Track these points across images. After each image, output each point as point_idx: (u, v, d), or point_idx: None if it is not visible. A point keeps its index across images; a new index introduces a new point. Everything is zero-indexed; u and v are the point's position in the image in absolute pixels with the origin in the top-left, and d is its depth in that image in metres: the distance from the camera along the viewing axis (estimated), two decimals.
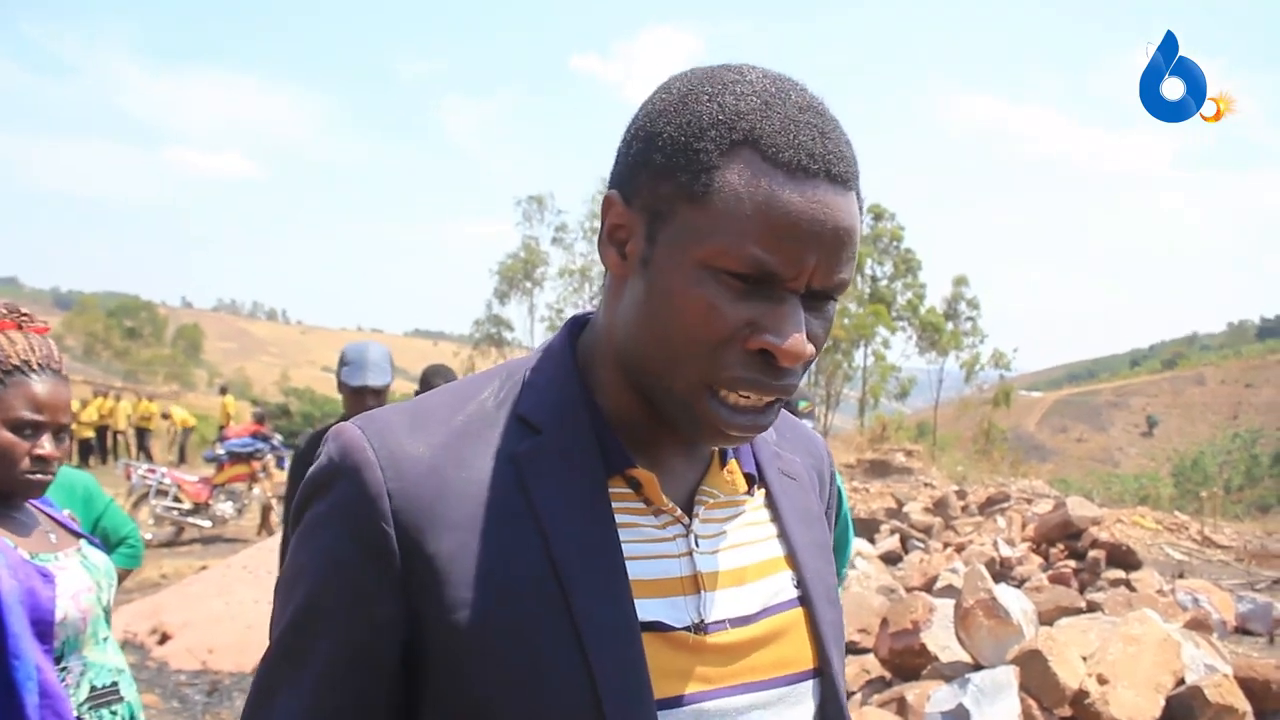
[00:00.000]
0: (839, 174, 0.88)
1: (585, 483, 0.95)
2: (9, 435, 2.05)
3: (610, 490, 0.97)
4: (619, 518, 0.96)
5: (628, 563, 0.93)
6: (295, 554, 0.95)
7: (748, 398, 0.91)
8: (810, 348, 0.89)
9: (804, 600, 1.04)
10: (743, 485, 1.06)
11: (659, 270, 0.90)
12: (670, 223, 0.90)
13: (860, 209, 0.93)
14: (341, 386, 3.92)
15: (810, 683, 1.02)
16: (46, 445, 2.11)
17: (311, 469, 0.97)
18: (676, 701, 0.92)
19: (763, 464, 1.10)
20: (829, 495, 1.22)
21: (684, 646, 0.94)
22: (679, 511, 0.99)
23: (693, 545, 0.99)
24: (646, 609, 0.93)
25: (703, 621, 0.96)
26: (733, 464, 1.06)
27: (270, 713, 0.92)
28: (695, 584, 0.97)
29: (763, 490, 1.09)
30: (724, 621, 0.97)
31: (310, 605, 0.92)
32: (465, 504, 0.92)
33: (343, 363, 3.95)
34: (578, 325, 1.07)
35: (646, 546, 0.96)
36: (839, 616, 1.08)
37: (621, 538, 0.94)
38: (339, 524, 0.92)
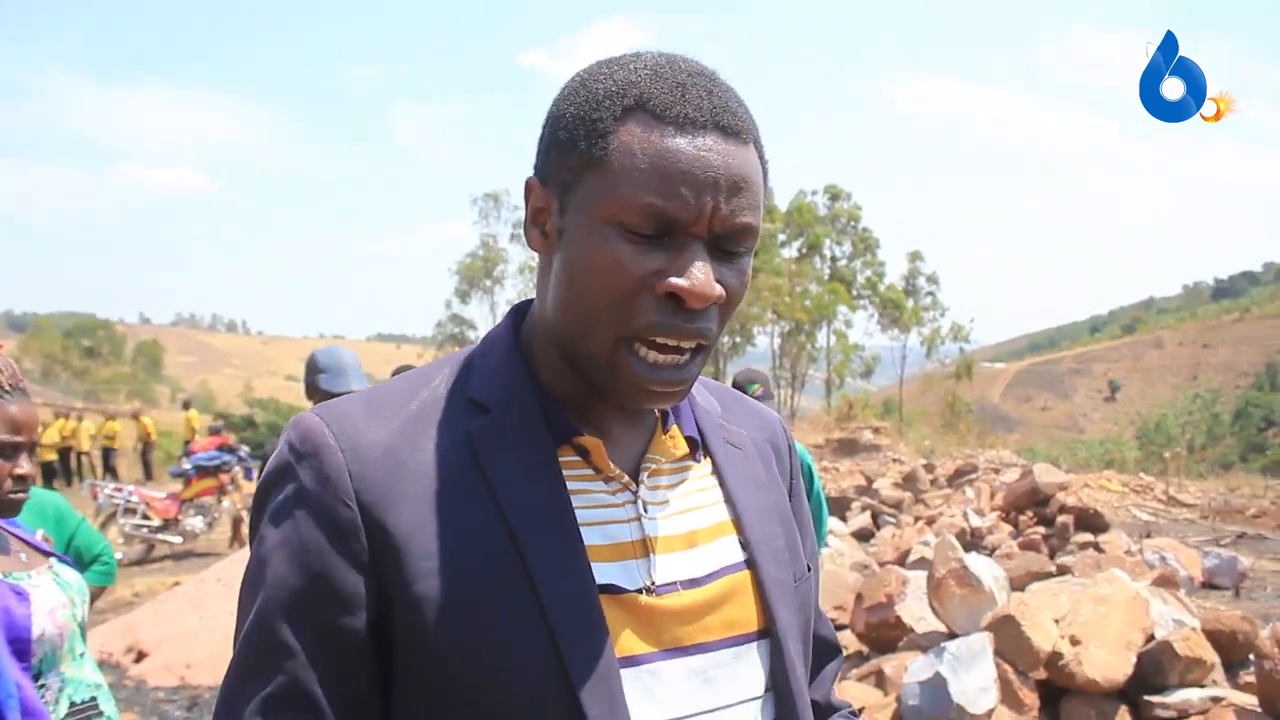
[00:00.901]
0: (728, 125, 0.93)
1: (536, 454, 0.99)
2: None
3: (560, 460, 1.00)
4: (570, 485, 0.99)
5: (581, 529, 0.97)
6: (261, 541, 0.97)
7: (665, 347, 0.94)
8: (718, 288, 0.93)
9: (750, 563, 1.07)
10: (684, 447, 1.09)
11: (570, 237, 0.95)
12: (577, 191, 0.95)
13: (765, 170, 0.99)
14: (318, 393, 3.80)
15: (757, 643, 1.05)
16: (25, 465, 2.12)
17: (271, 458, 0.99)
18: (632, 661, 0.95)
19: (707, 433, 1.13)
20: (789, 465, 1.25)
21: (636, 608, 0.97)
22: (626, 478, 1.03)
23: (641, 510, 1.02)
24: (600, 572, 0.96)
25: (654, 584, 0.99)
26: (674, 429, 1.10)
27: (246, 699, 0.93)
28: (645, 547, 1.00)
29: (709, 458, 1.12)
30: (675, 584, 1.00)
31: (279, 589, 0.94)
32: (423, 482, 0.95)
33: (318, 370, 3.84)
34: (520, 312, 1.12)
35: (598, 512, 1.00)
36: (789, 577, 1.10)
37: (574, 504, 0.98)
38: (303, 507, 0.94)
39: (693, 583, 1.01)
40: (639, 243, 0.91)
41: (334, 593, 0.92)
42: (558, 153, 0.97)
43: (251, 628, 0.95)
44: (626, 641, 0.95)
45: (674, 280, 0.91)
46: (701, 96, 0.93)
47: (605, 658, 0.92)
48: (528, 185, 1.02)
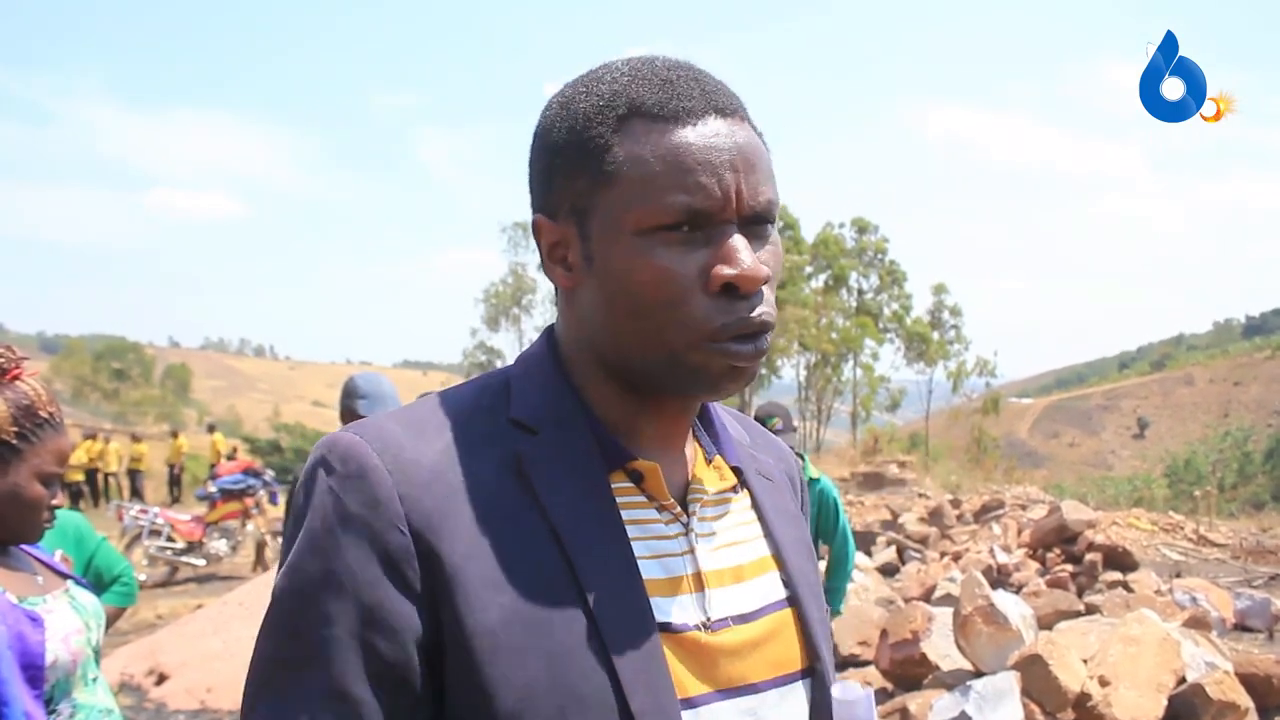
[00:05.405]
0: (724, 106, 0.93)
1: (588, 479, 0.95)
2: (40, 488, 2.06)
3: (612, 486, 0.96)
4: (624, 513, 0.95)
5: (638, 561, 0.93)
6: (302, 573, 0.89)
7: (742, 337, 0.92)
8: (765, 268, 0.91)
9: (792, 600, 1.04)
10: (730, 478, 1.06)
11: (604, 260, 0.93)
12: (595, 213, 0.93)
13: (764, 145, 0.97)
14: (353, 419, 3.75)
15: (802, 682, 1.01)
16: (59, 495, 2.15)
17: (305, 479, 0.93)
18: (689, 704, 0.90)
19: (742, 465, 1.09)
20: (801, 499, 1.22)
21: (693, 647, 0.93)
22: (678, 507, 0.99)
23: (694, 542, 0.98)
24: (657, 607, 0.92)
25: (709, 619, 0.95)
26: (718, 459, 1.06)
27: None
28: (699, 581, 0.96)
29: (746, 490, 1.09)
30: (727, 619, 0.96)
31: (331, 626, 0.86)
32: (473, 506, 0.90)
33: (357, 395, 3.81)
34: (555, 333, 1.07)
35: (655, 544, 0.96)
36: (825, 614, 1.08)
37: (630, 534, 0.94)
38: (351, 533, 0.87)
39: (742, 618, 0.98)
40: (677, 245, 0.90)
41: (389, 625, 0.86)
42: (562, 182, 0.96)
43: (299, 670, 0.87)
44: (684, 682, 0.91)
45: (724, 270, 0.90)
46: (690, 85, 0.93)
47: (668, 699, 0.88)
48: (536, 224, 1.00)
